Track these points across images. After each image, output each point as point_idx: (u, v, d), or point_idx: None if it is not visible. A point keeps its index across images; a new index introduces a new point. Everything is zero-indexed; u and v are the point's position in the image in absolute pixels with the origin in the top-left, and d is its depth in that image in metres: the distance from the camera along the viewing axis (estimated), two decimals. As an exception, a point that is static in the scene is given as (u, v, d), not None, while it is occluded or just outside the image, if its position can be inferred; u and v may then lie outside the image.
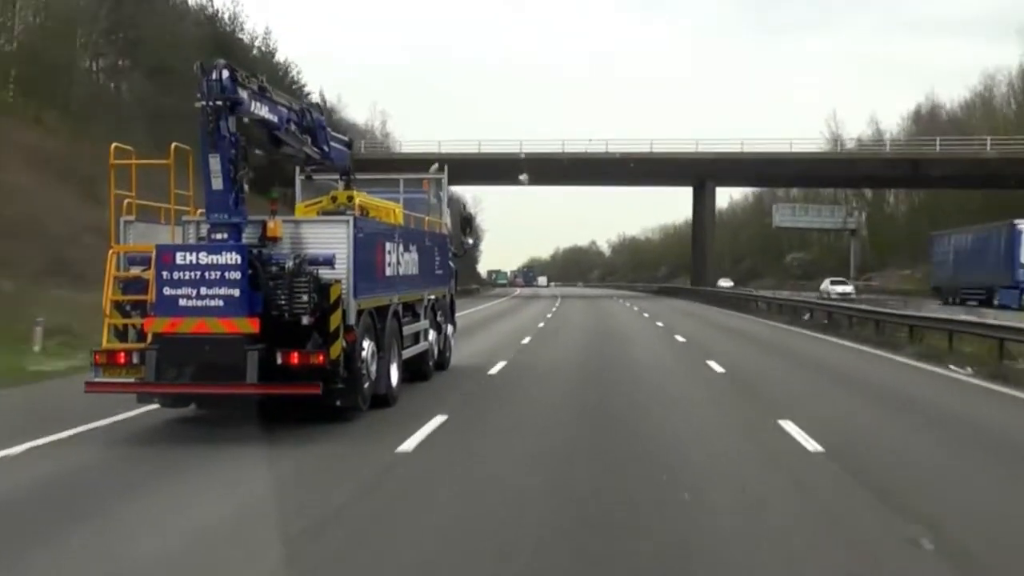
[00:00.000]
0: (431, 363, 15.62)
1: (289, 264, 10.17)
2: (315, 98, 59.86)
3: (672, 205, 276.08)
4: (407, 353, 13.70)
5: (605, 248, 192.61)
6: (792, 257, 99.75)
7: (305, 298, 10.10)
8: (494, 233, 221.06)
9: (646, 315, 40.63)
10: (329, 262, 10.43)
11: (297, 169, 14.99)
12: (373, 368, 11.57)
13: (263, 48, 68.27)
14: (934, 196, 79.28)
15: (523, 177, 66.14)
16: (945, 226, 59.98)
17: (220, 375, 9.96)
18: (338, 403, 10.73)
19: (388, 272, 12.28)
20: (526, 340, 24.34)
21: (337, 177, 14.29)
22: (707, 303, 53.85)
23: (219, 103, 9.94)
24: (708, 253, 75.02)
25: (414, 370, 14.76)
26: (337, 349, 10.26)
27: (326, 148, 12.83)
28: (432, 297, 15.57)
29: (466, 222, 18.98)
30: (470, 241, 19.09)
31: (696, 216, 79.84)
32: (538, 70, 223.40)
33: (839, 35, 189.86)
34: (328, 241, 10.70)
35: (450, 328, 17.35)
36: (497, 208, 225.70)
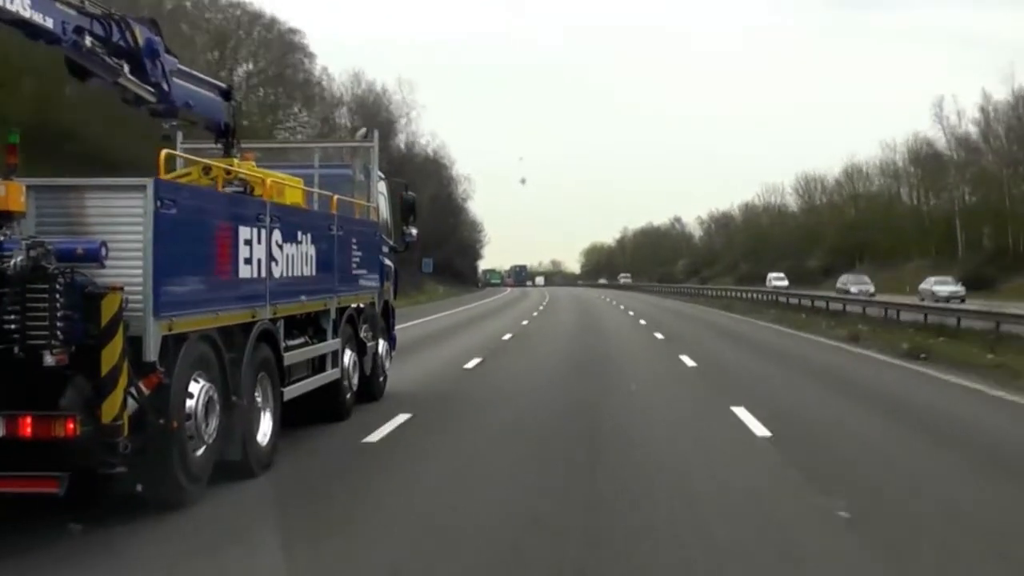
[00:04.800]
0: (349, 395, 11.34)
1: (18, 260, 5.84)
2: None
3: (819, 140, 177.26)
4: (298, 389, 9.44)
5: (695, 228, 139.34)
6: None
7: (45, 317, 5.80)
8: (538, 217, 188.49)
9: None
10: (95, 256, 6.05)
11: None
12: (212, 425, 7.26)
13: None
14: None
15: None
16: None
17: None
18: (138, 488, 6.49)
19: (245, 272, 7.93)
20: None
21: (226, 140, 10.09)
22: None
23: None
24: None
25: (322, 407, 10.59)
26: (114, 406, 5.94)
27: (165, 86, 8.49)
28: (350, 306, 11.34)
29: (409, 207, 14.68)
30: (414, 232, 14.73)
31: None
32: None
33: None
34: (111, 222, 6.38)
35: (382, 346, 13.03)
36: (534, 187, 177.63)
